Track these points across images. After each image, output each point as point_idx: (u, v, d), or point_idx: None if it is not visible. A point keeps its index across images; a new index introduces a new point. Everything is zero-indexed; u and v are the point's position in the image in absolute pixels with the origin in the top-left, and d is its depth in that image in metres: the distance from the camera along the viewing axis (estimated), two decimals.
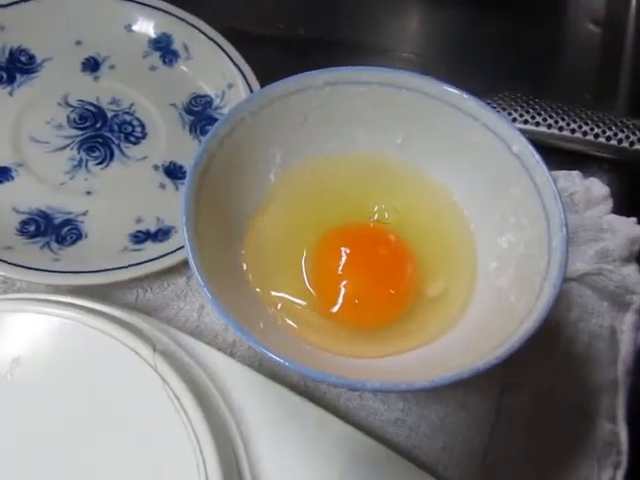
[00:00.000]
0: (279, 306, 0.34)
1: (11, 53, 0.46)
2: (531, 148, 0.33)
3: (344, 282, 0.35)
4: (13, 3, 0.45)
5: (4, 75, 0.45)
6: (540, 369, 0.37)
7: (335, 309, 0.34)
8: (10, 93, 0.44)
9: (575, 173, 0.45)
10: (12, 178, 0.41)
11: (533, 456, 0.36)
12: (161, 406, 0.30)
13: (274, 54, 0.53)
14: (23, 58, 0.46)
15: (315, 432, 0.33)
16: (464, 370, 0.27)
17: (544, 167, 0.33)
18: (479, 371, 0.27)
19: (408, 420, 0.35)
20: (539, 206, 0.32)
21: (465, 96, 0.35)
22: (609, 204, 0.44)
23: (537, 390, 0.37)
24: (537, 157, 0.33)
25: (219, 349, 0.36)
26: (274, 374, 0.35)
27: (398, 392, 0.33)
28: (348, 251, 0.36)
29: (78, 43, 0.47)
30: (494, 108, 0.45)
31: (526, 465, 0.36)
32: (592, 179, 0.45)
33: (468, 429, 0.35)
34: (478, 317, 0.33)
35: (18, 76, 0.45)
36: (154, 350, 0.32)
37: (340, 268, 0.35)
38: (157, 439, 0.30)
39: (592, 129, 0.47)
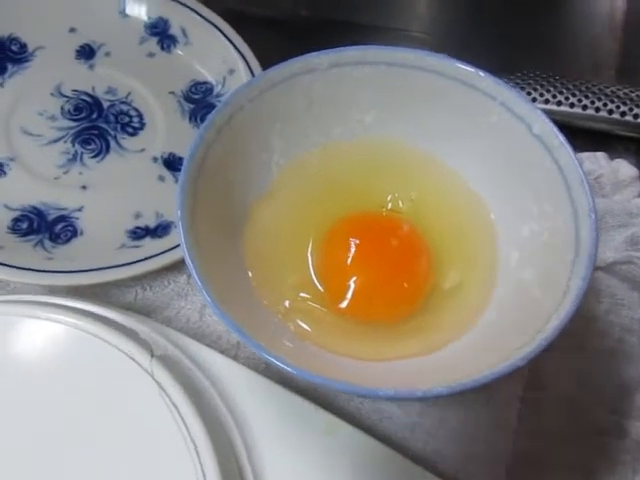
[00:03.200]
0: (285, 303, 0.32)
1: (1, 42, 0.44)
2: (554, 128, 0.31)
3: (354, 275, 0.33)
4: None
5: None
6: (567, 365, 0.35)
7: (345, 304, 0.32)
8: (1, 84, 0.42)
9: (600, 154, 0.43)
10: (4, 173, 0.39)
11: (561, 460, 0.34)
12: (159, 416, 0.28)
13: (276, 36, 0.50)
14: (14, 47, 0.44)
15: (325, 439, 0.31)
16: (486, 374, 0.25)
17: (569, 148, 0.30)
18: (502, 374, 0.25)
19: (426, 424, 0.33)
20: (564, 191, 0.30)
21: (481, 74, 0.32)
22: (638, 187, 0.41)
23: (564, 389, 0.35)
24: (561, 137, 0.30)
25: (222, 351, 0.34)
26: (280, 377, 0.33)
27: (414, 400, 0.31)
28: (358, 242, 0.33)
29: (72, 30, 0.45)
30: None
31: (554, 470, 0.33)
32: (619, 160, 0.42)
33: (491, 432, 0.33)
34: (500, 314, 0.30)
35: (9, 66, 0.43)
36: (152, 355, 0.30)
37: (350, 260, 0.33)
38: (155, 451, 0.28)
39: (618, 107, 0.44)
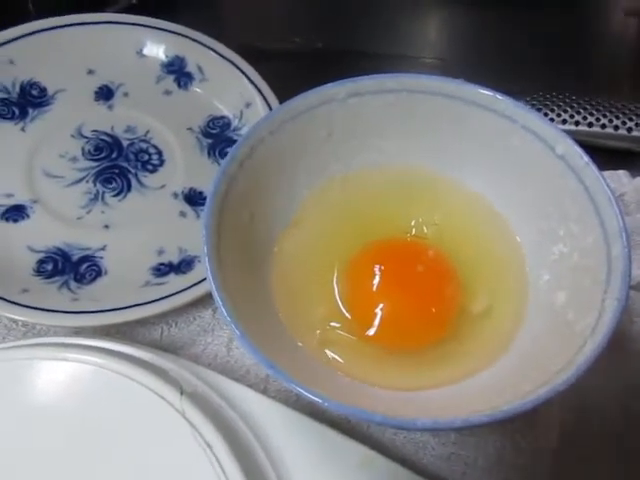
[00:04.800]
0: (313, 334, 0.31)
1: (22, 87, 0.44)
2: (577, 148, 0.31)
3: (381, 302, 0.32)
4: (21, 36, 0.44)
5: (16, 110, 0.44)
6: (605, 387, 0.34)
7: (373, 331, 0.32)
8: (23, 129, 0.43)
9: (622, 172, 0.42)
10: (27, 216, 0.39)
11: None
12: (192, 455, 0.28)
13: (292, 69, 0.51)
14: (34, 92, 0.44)
15: (361, 473, 0.30)
16: (527, 400, 0.24)
17: (594, 168, 0.30)
18: (543, 400, 0.24)
19: (463, 454, 0.32)
20: (592, 211, 0.30)
21: (500, 97, 0.32)
22: None
23: (603, 411, 0.34)
24: (585, 158, 0.30)
25: (251, 385, 0.33)
26: (312, 410, 0.32)
27: (452, 429, 0.30)
28: (383, 268, 0.33)
29: (90, 72, 0.46)
30: None
31: None
32: None
33: (530, 460, 0.32)
34: (533, 338, 0.30)
35: (30, 110, 0.44)
36: (181, 393, 0.29)
37: (376, 287, 0.33)
38: None
39: (637, 124, 0.44)
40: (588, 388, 0.33)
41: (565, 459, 0.32)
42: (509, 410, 0.24)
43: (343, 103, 0.34)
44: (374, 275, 0.33)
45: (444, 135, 0.34)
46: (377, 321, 0.32)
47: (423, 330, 0.33)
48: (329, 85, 0.33)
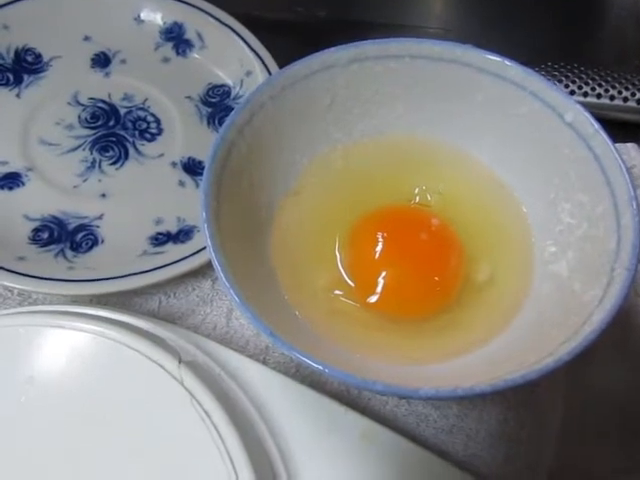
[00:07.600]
0: (314, 302, 0.31)
1: (17, 53, 0.43)
2: (588, 115, 0.30)
3: (384, 269, 0.32)
4: (16, 1, 0.43)
5: (10, 77, 0.43)
6: (611, 364, 0.33)
7: (376, 299, 0.31)
8: (17, 95, 0.42)
9: (630, 145, 0.41)
10: (22, 184, 0.38)
11: (605, 464, 0.32)
12: (190, 424, 0.27)
13: (294, 39, 0.50)
14: (29, 58, 0.43)
15: (361, 444, 0.30)
16: (531, 370, 0.24)
17: (604, 135, 0.29)
18: (548, 370, 0.24)
19: (465, 426, 0.32)
20: (601, 180, 0.29)
21: (508, 63, 0.31)
22: None
23: (607, 387, 0.33)
24: (595, 125, 0.29)
25: (251, 356, 0.33)
26: (313, 381, 0.32)
27: (455, 399, 0.30)
28: (386, 235, 0.32)
29: (86, 39, 0.45)
30: None
31: (598, 474, 0.32)
32: None
33: (533, 434, 0.32)
34: (539, 309, 0.29)
35: (25, 77, 0.43)
36: (180, 362, 0.29)
37: (378, 254, 0.32)
38: (187, 460, 0.27)
39: None
40: (594, 363, 0.33)
41: (569, 434, 0.32)
42: (512, 380, 0.23)
43: (345, 69, 0.33)
44: (377, 242, 0.32)
45: (449, 103, 0.33)
46: (380, 288, 0.31)
47: (426, 298, 0.32)
48: (331, 50, 0.32)
